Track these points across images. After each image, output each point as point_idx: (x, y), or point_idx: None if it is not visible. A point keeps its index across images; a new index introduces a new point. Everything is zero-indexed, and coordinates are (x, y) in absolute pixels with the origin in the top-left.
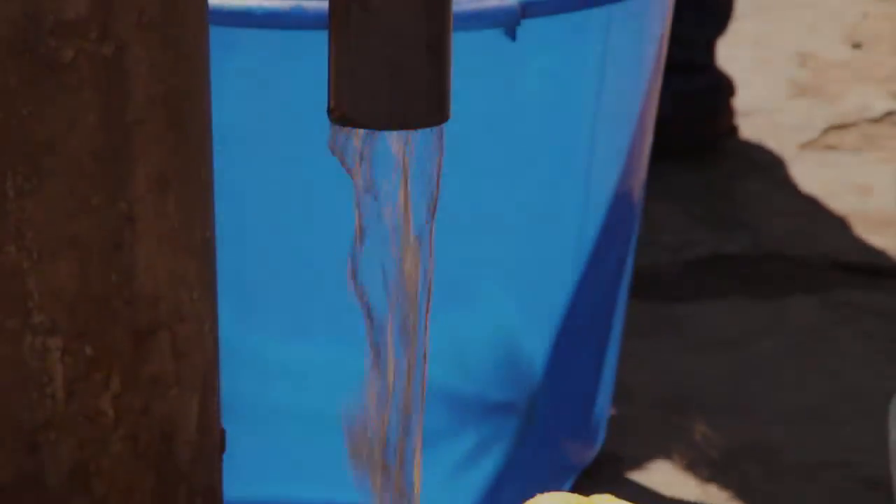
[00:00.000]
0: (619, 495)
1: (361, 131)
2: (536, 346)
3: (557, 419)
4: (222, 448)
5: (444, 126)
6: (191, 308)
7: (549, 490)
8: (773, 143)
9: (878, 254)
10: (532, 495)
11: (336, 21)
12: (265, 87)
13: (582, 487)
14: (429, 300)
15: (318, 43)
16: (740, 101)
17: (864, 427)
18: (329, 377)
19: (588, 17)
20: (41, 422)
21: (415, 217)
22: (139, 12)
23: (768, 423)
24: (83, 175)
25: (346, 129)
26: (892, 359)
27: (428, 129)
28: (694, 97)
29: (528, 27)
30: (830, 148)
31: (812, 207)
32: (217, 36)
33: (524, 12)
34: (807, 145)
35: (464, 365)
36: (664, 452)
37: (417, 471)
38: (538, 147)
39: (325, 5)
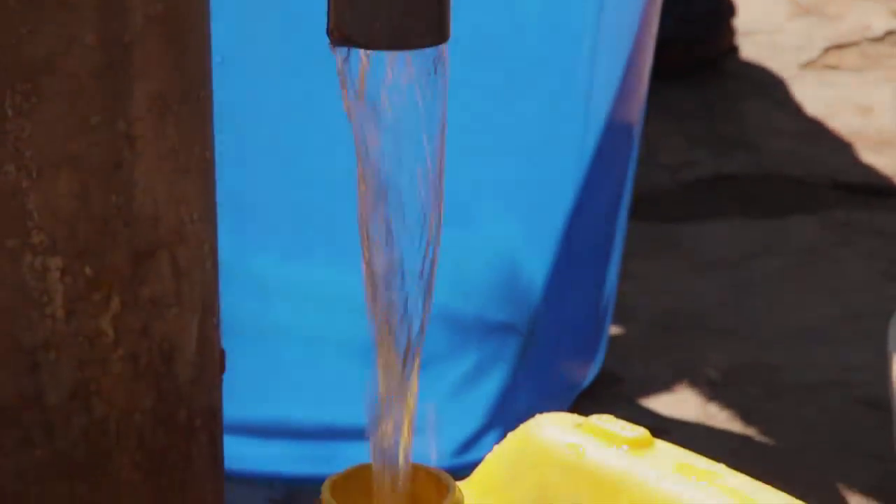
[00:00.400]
0: (618, 415)
1: (363, 53)
2: (536, 267)
3: (557, 340)
4: (222, 368)
5: (445, 47)
6: (190, 228)
7: (549, 410)
8: (773, 64)
9: (879, 173)
10: (532, 416)
11: None
12: (265, 6)
13: (582, 408)
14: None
15: None
16: (740, 22)
17: (864, 347)
18: (329, 298)
19: None
20: (41, 341)
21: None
22: None
23: (768, 342)
24: (82, 94)
25: (347, 51)
26: (893, 279)
27: (428, 50)
28: (694, 18)
29: None
30: (831, 68)
31: (812, 127)
32: None
33: None
34: (807, 65)
35: (464, 286)
36: (664, 372)
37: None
38: (538, 68)
39: None
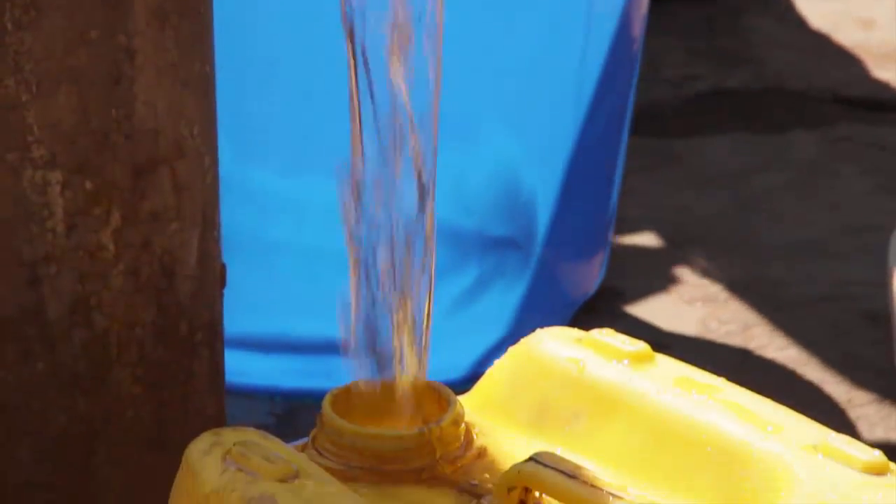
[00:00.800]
0: (618, 329)
1: None
2: (537, 182)
3: (558, 254)
4: (223, 283)
5: None
6: (191, 143)
7: (550, 325)
8: None
9: (882, 87)
10: (532, 330)
11: None
12: None
13: (582, 322)
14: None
15: None
16: None
17: (865, 261)
18: (329, 212)
19: None
20: (41, 255)
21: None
22: None
23: (768, 257)
24: (81, 7)
25: None
26: (894, 193)
27: None
28: None
29: None
30: None
31: (814, 41)
32: None
33: None
34: None
35: (465, 201)
36: (664, 287)
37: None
38: None
39: None
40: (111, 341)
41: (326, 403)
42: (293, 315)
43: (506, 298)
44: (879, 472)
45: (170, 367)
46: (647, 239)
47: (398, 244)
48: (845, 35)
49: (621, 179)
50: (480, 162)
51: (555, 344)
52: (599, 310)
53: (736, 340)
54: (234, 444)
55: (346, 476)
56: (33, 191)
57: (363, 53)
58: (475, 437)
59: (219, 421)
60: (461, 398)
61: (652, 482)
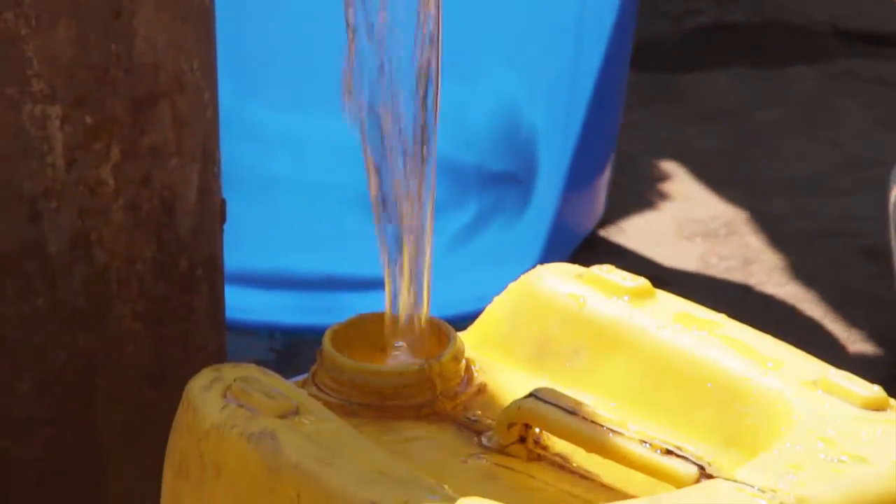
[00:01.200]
0: (619, 265)
1: None
2: (537, 117)
3: (558, 190)
4: (223, 218)
5: None
6: (190, 78)
7: (549, 261)
8: None
9: (882, 21)
10: (532, 266)
11: None
12: None
13: (582, 258)
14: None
15: None
16: None
17: (865, 197)
18: (329, 148)
19: None
20: (41, 190)
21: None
22: None
23: (768, 192)
24: None
25: None
26: (894, 128)
27: None
28: None
29: None
30: None
31: None
32: None
33: None
34: None
35: (465, 136)
36: (664, 222)
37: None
38: None
39: None
40: (111, 277)
41: (327, 339)
42: (294, 251)
43: (506, 234)
44: (879, 407)
45: (170, 302)
46: (647, 174)
47: (399, 178)
48: None
49: (622, 114)
50: (481, 97)
51: (555, 280)
52: (600, 246)
53: (736, 276)
54: (234, 380)
55: (347, 412)
56: (33, 125)
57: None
58: (475, 373)
59: (219, 357)
60: (461, 334)
61: (652, 418)
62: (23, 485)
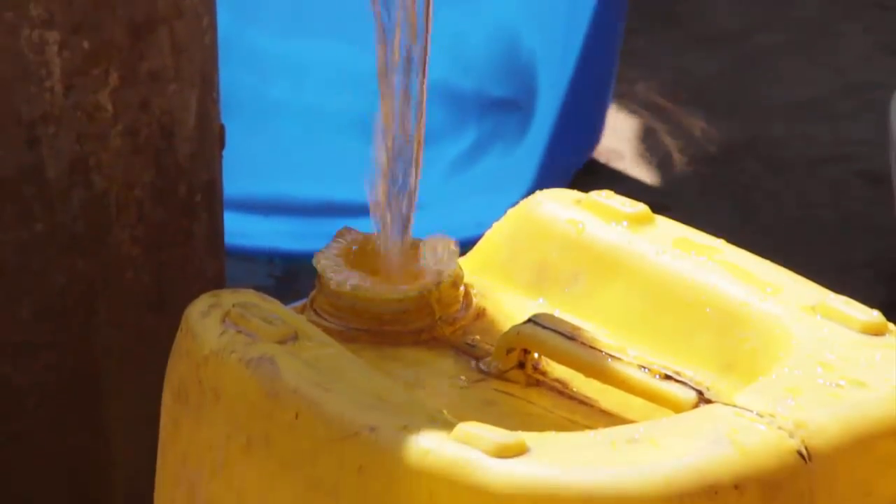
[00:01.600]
0: (618, 191)
1: None
2: (536, 42)
3: (557, 116)
4: (222, 144)
5: None
6: (189, 3)
7: (548, 187)
8: None
9: None
10: (531, 192)
11: None
12: None
13: (581, 184)
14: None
15: None
16: None
17: (866, 121)
18: (328, 74)
19: None
20: (40, 115)
21: None
22: None
23: (769, 118)
24: None
25: None
26: (894, 52)
27: None
28: None
29: None
30: None
31: None
32: None
33: None
34: None
35: (463, 62)
36: (664, 148)
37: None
38: None
39: None
40: (110, 202)
41: (322, 259)
42: (293, 177)
43: (504, 160)
44: (878, 332)
45: (169, 228)
46: (645, 100)
47: (393, 101)
48: None
49: (621, 39)
50: (480, 21)
51: (554, 206)
52: (599, 172)
53: (736, 202)
54: (232, 306)
55: (345, 338)
56: (31, 50)
57: None
58: (474, 298)
59: (218, 283)
60: (460, 260)
61: (651, 343)
62: (23, 409)
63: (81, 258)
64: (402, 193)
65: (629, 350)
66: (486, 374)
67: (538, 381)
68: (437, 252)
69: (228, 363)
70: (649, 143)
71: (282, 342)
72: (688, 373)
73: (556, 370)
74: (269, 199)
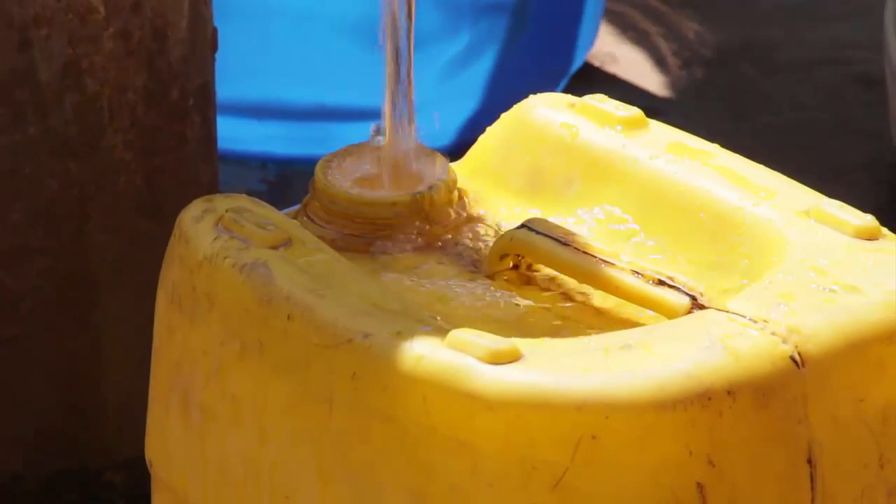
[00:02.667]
0: (612, 96)
1: None
2: None
3: (550, 19)
4: (214, 47)
5: None
6: None
7: (542, 91)
8: None
9: None
10: (525, 96)
11: None
12: None
13: (575, 88)
14: None
15: None
16: None
17: (860, 24)
18: None
19: None
20: (31, 17)
21: None
22: None
23: (762, 20)
24: None
25: None
26: None
27: None
28: None
29: None
30: None
31: None
32: None
33: None
34: None
35: None
36: (658, 52)
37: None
38: None
39: None
40: (103, 106)
41: (319, 169)
42: (286, 80)
43: (498, 64)
44: (871, 236)
45: (162, 132)
46: (641, 3)
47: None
48: None
49: None
50: None
51: (548, 110)
52: (593, 76)
53: (729, 106)
54: (226, 211)
55: (338, 245)
56: None
57: None
58: (468, 203)
59: (211, 188)
60: (454, 165)
61: (644, 249)
62: (17, 313)
63: (74, 162)
64: (402, 98)
65: (622, 255)
66: (479, 276)
67: (530, 279)
68: (431, 159)
69: (222, 269)
70: (643, 47)
71: (275, 248)
72: (681, 278)
73: (549, 268)
74: (263, 103)
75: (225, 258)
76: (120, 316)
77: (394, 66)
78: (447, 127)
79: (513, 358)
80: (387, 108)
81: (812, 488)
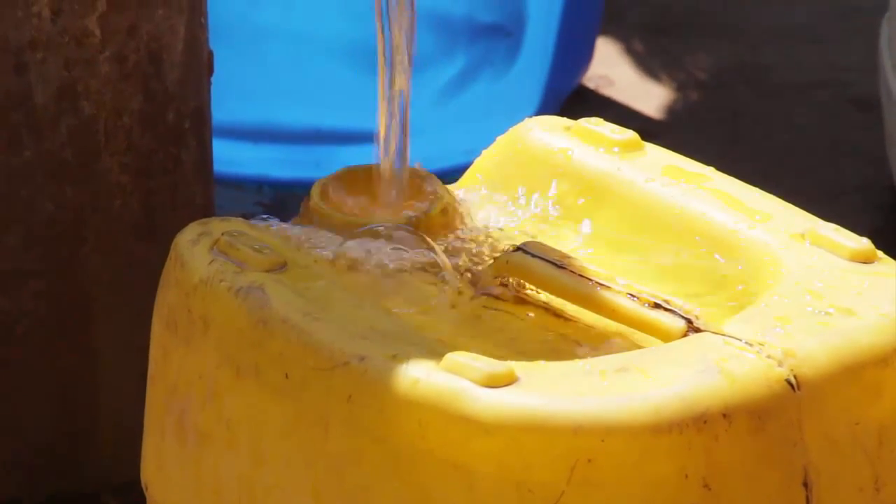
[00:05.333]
0: (607, 118)
1: None
2: None
3: (547, 41)
4: (210, 70)
5: None
6: None
7: (538, 114)
8: None
9: None
10: (520, 119)
11: None
12: None
13: (571, 111)
14: None
15: None
16: None
17: (855, 46)
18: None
19: None
20: (27, 41)
21: None
22: None
23: (758, 43)
24: None
25: None
26: None
27: None
28: None
29: None
30: None
31: None
32: None
33: None
34: None
35: None
36: (653, 75)
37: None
38: None
39: None
40: (98, 129)
41: (315, 192)
42: (282, 103)
43: (494, 87)
44: (866, 259)
45: (157, 155)
46: (635, 27)
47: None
48: None
49: None
50: None
51: (543, 133)
52: (588, 98)
53: (725, 128)
54: (222, 235)
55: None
56: None
57: None
58: (463, 225)
59: (207, 211)
60: (449, 187)
61: (640, 272)
62: (12, 335)
63: (69, 186)
64: (397, 121)
65: (618, 278)
66: (475, 297)
67: (523, 298)
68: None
69: (217, 292)
70: (639, 70)
71: (271, 271)
72: (677, 301)
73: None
74: (258, 126)
75: (221, 281)
76: (116, 338)
77: (389, 89)
78: (443, 150)
79: (509, 381)
80: (382, 131)
81: None
